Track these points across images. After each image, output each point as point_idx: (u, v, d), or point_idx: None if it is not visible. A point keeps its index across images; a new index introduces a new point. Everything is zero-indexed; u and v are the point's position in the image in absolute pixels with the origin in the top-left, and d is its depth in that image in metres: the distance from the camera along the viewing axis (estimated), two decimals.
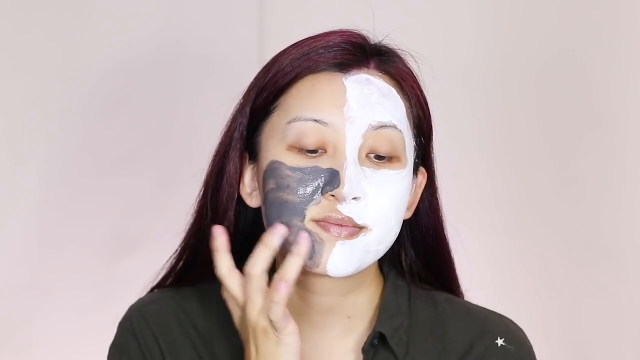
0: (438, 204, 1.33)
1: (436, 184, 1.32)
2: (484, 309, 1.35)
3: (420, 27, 1.92)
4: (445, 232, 1.34)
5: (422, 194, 1.30)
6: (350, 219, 1.20)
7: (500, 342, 1.30)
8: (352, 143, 1.20)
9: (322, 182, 1.20)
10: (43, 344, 1.85)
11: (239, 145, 1.27)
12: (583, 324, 1.92)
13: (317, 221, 1.20)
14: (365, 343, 1.27)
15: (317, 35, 1.26)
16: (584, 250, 1.92)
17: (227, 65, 1.87)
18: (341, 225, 1.20)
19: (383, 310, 1.29)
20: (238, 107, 1.28)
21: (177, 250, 1.33)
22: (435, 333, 1.30)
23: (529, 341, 1.33)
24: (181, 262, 1.33)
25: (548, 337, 1.89)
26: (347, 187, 1.18)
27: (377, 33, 1.28)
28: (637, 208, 1.90)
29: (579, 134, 1.92)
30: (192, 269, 1.33)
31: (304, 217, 1.20)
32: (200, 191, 1.31)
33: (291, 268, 1.18)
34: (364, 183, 1.20)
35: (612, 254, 1.91)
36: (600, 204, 1.91)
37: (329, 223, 1.20)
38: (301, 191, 1.20)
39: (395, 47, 1.28)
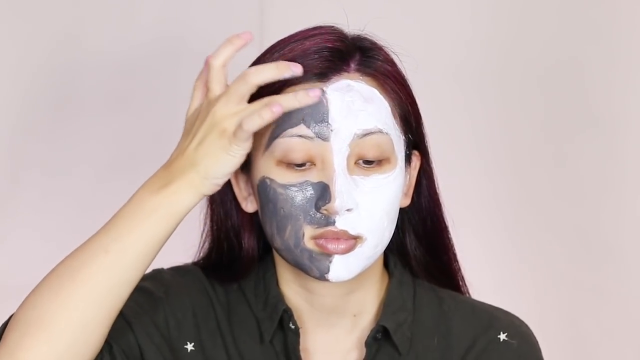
0: (434, 186, 1.33)
1: (431, 165, 1.32)
2: (490, 305, 1.36)
3: (414, 22, 1.92)
4: (444, 215, 1.34)
5: (418, 177, 1.30)
6: (345, 232, 1.20)
7: (502, 336, 1.31)
8: (338, 154, 1.19)
9: (313, 196, 1.20)
10: None
11: None
12: (583, 323, 1.92)
13: (315, 238, 1.20)
14: (368, 337, 1.28)
15: (293, 40, 1.24)
16: (583, 249, 1.92)
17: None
18: (337, 239, 1.20)
19: (387, 306, 1.30)
20: None
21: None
22: (439, 330, 1.31)
23: (533, 336, 1.34)
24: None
25: (547, 337, 1.88)
26: (338, 201, 1.18)
27: (368, 29, 1.27)
28: (637, 208, 1.90)
29: (579, 133, 1.92)
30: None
31: (303, 235, 1.21)
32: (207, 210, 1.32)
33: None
34: (354, 193, 1.20)
35: (612, 254, 1.91)
36: (599, 203, 1.91)
37: (326, 239, 1.20)
38: (295, 208, 1.20)
39: (375, 39, 1.27)
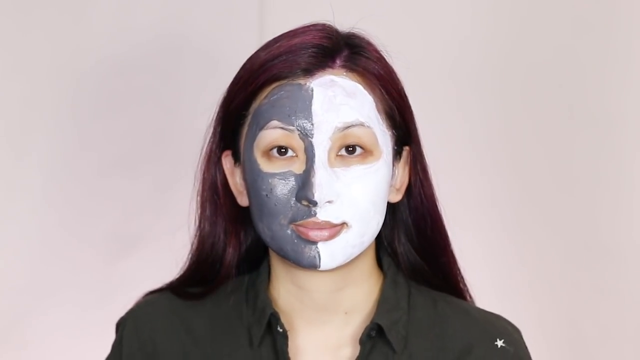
0: (429, 184, 1.33)
1: (425, 163, 1.33)
2: (481, 309, 1.36)
3: (410, 21, 1.92)
4: (440, 215, 1.34)
5: (410, 173, 1.31)
6: (327, 222, 1.22)
7: (499, 342, 1.31)
8: (319, 147, 1.22)
9: (295, 187, 1.22)
10: (43, 342, 1.85)
11: (220, 150, 1.31)
12: (581, 323, 1.92)
13: (297, 226, 1.22)
14: (363, 334, 1.28)
15: (282, 36, 1.27)
16: (582, 249, 1.92)
17: (226, 65, 1.86)
18: (320, 228, 1.22)
19: (381, 304, 1.30)
20: (217, 112, 1.31)
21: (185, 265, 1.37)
22: (434, 330, 1.31)
23: (524, 342, 1.34)
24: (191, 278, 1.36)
25: (546, 337, 1.89)
26: (317, 194, 1.20)
27: (364, 27, 1.29)
28: (635, 207, 1.90)
29: (576, 132, 1.91)
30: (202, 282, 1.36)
31: (285, 221, 1.23)
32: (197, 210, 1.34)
33: None
34: (335, 185, 1.22)
35: (610, 253, 1.90)
36: (598, 203, 1.91)
37: (307, 228, 1.22)
38: (277, 197, 1.22)
39: (367, 37, 1.29)
